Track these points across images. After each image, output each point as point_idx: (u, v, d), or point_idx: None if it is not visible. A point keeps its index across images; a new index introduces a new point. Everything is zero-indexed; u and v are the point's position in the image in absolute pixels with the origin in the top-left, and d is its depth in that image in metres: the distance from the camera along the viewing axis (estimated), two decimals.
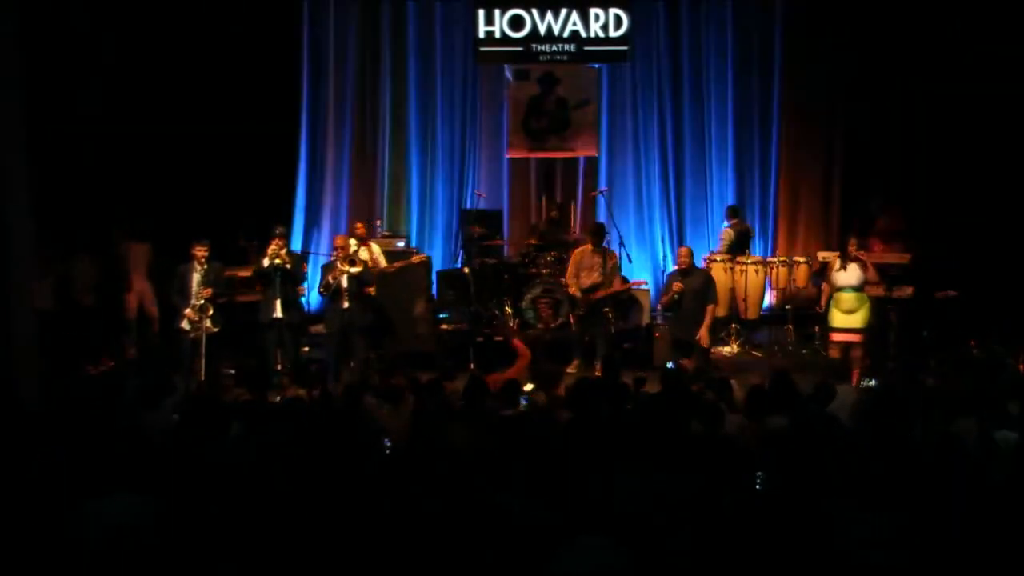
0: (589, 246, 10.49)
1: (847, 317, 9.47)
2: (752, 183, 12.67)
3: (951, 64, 11.55)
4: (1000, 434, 6.17)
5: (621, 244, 11.03)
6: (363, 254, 10.28)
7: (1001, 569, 4.46)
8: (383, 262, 10.63)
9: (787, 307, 11.41)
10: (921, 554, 4.52)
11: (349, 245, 9.87)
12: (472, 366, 10.12)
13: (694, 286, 9.44)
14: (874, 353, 9.89)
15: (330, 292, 9.69)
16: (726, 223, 12.11)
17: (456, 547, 4.59)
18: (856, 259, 9.50)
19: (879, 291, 10.39)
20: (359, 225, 10.61)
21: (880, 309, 10.34)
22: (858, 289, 9.46)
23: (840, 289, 9.51)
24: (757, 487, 5.07)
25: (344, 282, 9.64)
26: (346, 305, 9.63)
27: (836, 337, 9.59)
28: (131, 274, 11.29)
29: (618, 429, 6.32)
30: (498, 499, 5.12)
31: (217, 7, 11.79)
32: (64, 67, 10.87)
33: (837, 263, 9.62)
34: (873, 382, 7.69)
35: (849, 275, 9.48)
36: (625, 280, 10.80)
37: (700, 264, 10.95)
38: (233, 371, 8.91)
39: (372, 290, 10.04)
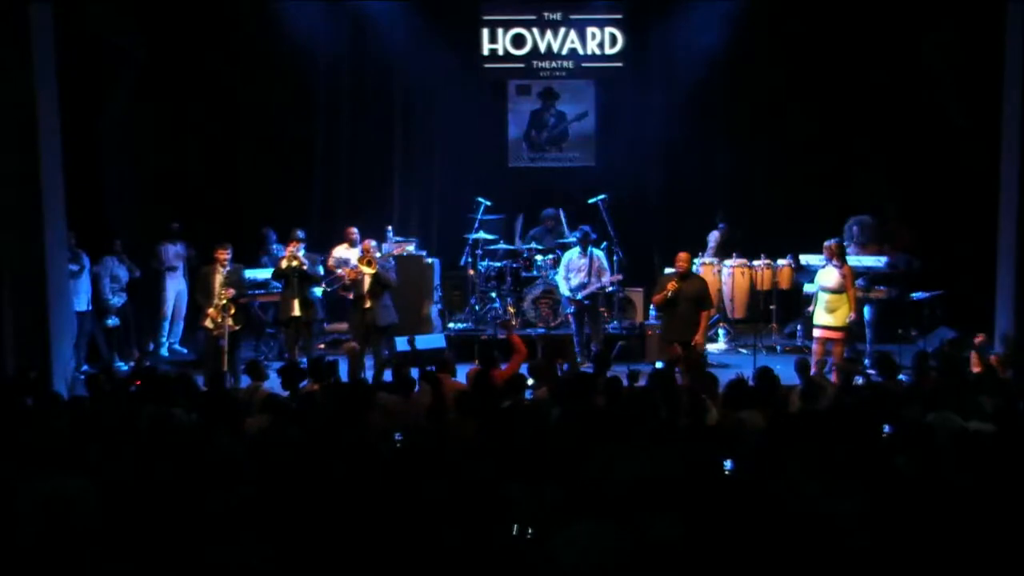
0: (578, 249, 10.55)
1: (827, 316, 9.42)
2: (744, 188, 12.61)
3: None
4: (974, 425, 6.15)
5: (610, 249, 11.00)
6: (353, 258, 10.16)
7: (978, 553, 4.42)
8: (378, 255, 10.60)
9: (771, 307, 11.38)
10: (898, 538, 4.49)
11: (372, 249, 9.83)
12: (476, 362, 10.10)
13: (690, 291, 9.26)
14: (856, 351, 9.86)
15: (336, 289, 9.65)
16: (717, 228, 12.07)
17: (461, 532, 4.56)
18: (830, 261, 9.45)
19: (856, 291, 10.34)
20: (351, 230, 10.54)
21: (857, 308, 10.29)
22: (836, 291, 9.38)
23: (821, 289, 9.46)
24: (736, 474, 5.04)
25: (365, 283, 9.63)
26: (368, 305, 9.60)
27: (816, 333, 9.55)
28: (166, 275, 11.33)
29: (611, 420, 6.30)
30: (502, 486, 5.10)
31: (238, 21, 11.81)
32: (96, 78, 10.87)
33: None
34: (860, 380, 7.63)
35: (827, 277, 9.42)
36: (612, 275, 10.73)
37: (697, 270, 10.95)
38: (244, 365, 8.89)
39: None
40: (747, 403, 6.57)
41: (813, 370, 8.13)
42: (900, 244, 11.13)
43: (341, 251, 10.31)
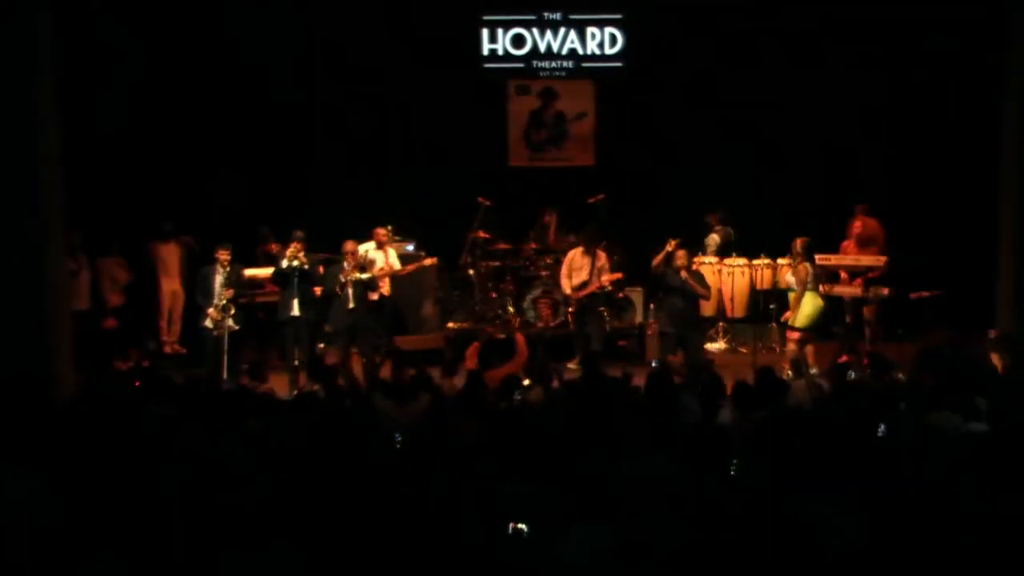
0: (580, 248, 10.52)
1: (792, 316, 9.47)
2: (740, 190, 12.58)
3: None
4: (973, 426, 6.12)
5: (609, 249, 10.99)
6: (380, 259, 10.23)
7: (970, 551, 4.40)
8: (398, 266, 10.59)
9: (771, 306, 11.36)
10: (893, 538, 4.46)
11: (359, 251, 9.81)
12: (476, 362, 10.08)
13: (686, 285, 9.37)
14: (852, 349, 9.84)
15: (331, 293, 9.66)
16: (713, 231, 12.05)
17: (460, 536, 4.53)
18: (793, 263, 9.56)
19: (856, 291, 10.33)
20: (380, 231, 10.53)
21: (856, 308, 10.30)
22: (793, 290, 9.43)
23: (787, 289, 9.59)
24: (733, 473, 5.01)
25: (351, 284, 9.60)
26: (351, 306, 9.57)
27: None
28: (160, 274, 11.33)
29: (612, 420, 6.27)
30: (503, 489, 5.08)
31: (237, 20, 11.80)
32: (95, 79, 10.86)
33: None
34: (852, 375, 7.62)
35: (789, 277, 9.54)
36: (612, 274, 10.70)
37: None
38: (246, 365, 8.88)
39: (376, 295, 10.00)
40: (751, 404, 6.55)
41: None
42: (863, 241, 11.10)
43: (370, 250, 10.31)
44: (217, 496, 4.90)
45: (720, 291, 11.40)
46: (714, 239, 11.98)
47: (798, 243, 9.50)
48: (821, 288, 10.66)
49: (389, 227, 11.41)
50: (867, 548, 4.40)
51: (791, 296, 9.49)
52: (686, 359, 9.00)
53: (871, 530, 4.50)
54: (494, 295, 11.69)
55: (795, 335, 9.43)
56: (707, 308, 11.35)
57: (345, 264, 9.63)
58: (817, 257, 10.62)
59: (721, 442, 5.60)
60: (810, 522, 4.53)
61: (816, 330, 9.58)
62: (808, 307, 9.39)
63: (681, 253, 9.44)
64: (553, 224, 12.02)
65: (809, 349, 9.56)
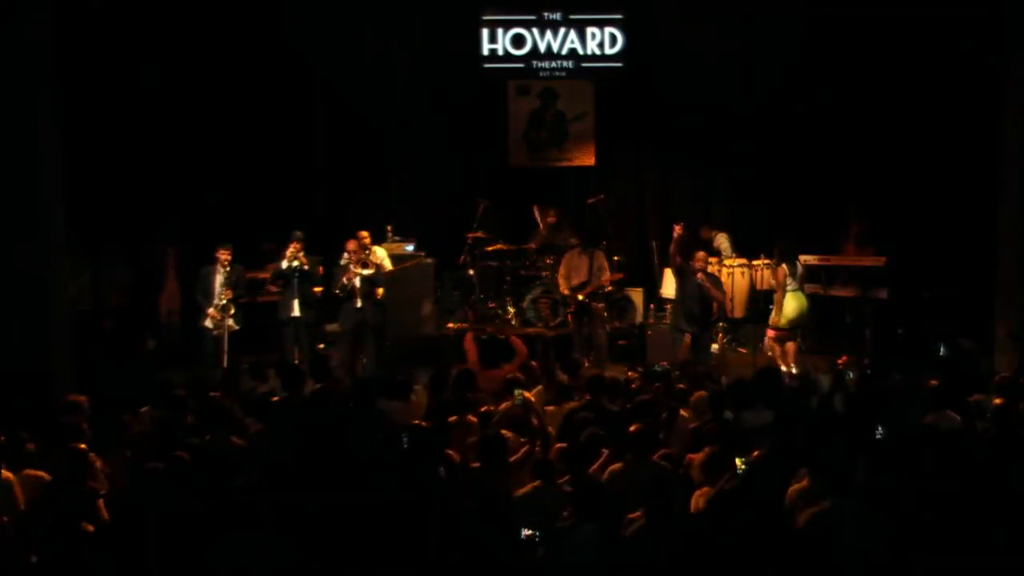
0: (578, 249, 10.51)
1: (773, 315, 9.69)
2: (740, 190, 12.60)
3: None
4: (970, 425, 6.13)
5: (608, 249, 10.98)
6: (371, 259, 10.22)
7: (973, 550, 4.41)
8: (388, 265, 10.58)
9: (771, 307, 11.36)
10: (897, 538, 4.48)
11: (360, 249, 9.83)
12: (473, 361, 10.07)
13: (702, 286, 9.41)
14: (852, 349, 9.90)
15: (345, 293, 9.68)
16: (713, 236, 12.04)
17: (459, 534, 4.55)
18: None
19: (856, 292, 10.36)
20: (363, 233, 10.52)
21: (856, 308, 10.31)
22: (774, 291, 9.64)
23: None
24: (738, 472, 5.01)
25: (357, 283, 9.63)
26: (359, 304, 9.59)
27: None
28: (164, 275, 11.35)
29: (613, 421, 6.29)
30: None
31: (237, 21, 11.81)
32: (95, 81, 10.85)
33: None
34: (851, 374, 7.63)
35: (771, 279, 9.68)
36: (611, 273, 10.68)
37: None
38: (246, 365, 8.87)
39: (381, 291, 10.02)
40: (750, 403, 6.56)
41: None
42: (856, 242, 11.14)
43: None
44: (218, 495, 4.92)
45: None
46: (724, 240, 11.95)
47: (777, 246, 9.66)
48: (822, 289, 10.74)
49: (389, 227, 11.44)
50: (885, 546, 4.42)
51: (775, 296, 9.66)
52: (695, 359, 9.02)
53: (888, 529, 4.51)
54: (494, 296, 11.70)
55: (776, 334, 9.59)
56: None
57: (350, 265, 9.67)
58: (817, 258, 10.71)
59: (724, 440, 5.62)
60: (827, 519, 4.54)
61: (799, 328, 9.76)
62: (789, 306, 9.54)
63: (700, 255, 9.49)
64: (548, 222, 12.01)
65: (789, 347, 9.68)
